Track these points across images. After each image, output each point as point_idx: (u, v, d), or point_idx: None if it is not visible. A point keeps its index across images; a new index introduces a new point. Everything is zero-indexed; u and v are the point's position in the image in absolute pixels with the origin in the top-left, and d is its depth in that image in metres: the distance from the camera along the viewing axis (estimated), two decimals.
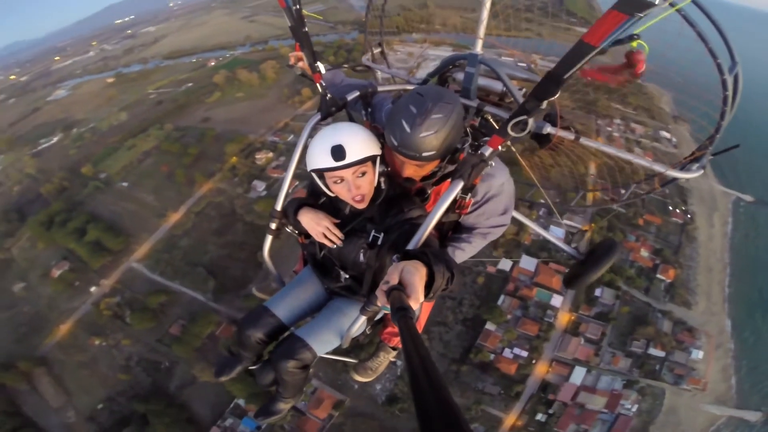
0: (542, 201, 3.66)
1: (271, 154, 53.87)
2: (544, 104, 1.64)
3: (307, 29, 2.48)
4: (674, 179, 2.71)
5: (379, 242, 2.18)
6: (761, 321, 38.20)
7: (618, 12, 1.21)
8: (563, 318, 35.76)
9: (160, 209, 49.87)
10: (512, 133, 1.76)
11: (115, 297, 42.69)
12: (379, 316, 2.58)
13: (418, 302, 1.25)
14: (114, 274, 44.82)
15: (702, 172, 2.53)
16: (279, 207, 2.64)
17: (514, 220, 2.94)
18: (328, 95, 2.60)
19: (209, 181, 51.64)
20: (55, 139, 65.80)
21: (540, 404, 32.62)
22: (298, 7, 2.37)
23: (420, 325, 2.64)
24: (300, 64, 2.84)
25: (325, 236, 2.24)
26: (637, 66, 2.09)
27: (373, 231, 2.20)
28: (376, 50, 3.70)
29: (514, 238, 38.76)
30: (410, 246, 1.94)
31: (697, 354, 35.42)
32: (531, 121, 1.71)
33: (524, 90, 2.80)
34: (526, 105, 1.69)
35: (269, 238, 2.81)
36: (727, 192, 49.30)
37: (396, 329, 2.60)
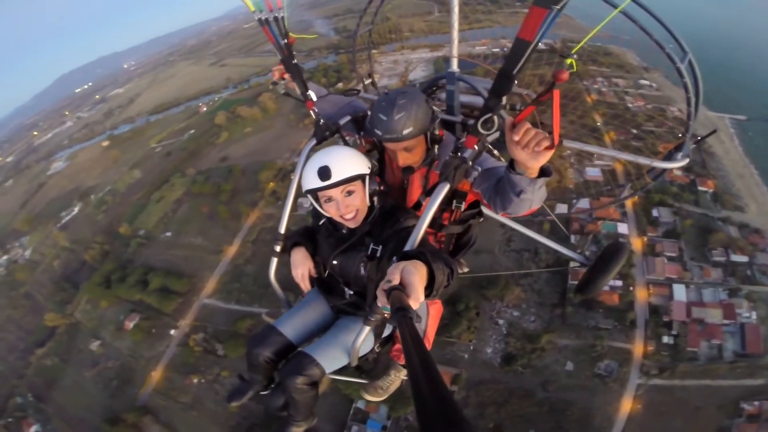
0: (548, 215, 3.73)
1: None
2: (504, 99, 1.72)
3: (296, 61, 2.61)
4: (664, 171, 2.79)
5: (378, 254, 2.23)
6: None
7: (537, 7, 1.34)
8: (636, 243, 36.19)
9: (214, 247, 50.17)
10: (483, 131, 1.82)
11: (199, 334, 42.49)
12: (387, 333, 2.58)
13: (418, 302, 1.27)
14: (189, 314, 44.75)
15: (687, 160, 2.65)
16: (282, 230, 2.81)
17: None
18: (322, 121, 2.75)
19: (254, 209, 52.57)
20: (76, 209, 65.00)
21: (660, 327, 31.65)
22: (286, 41, 2.51)
23: (428, 340, 2.70)
24: (286, 80, 2.82)
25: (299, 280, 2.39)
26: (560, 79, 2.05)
27: (371, 244, 2.26)
28: (367, 81, 3.96)
29: (557, 185, 38.54)
30: (407, 247, 1.98)
31: None
32: (497, 118, 1.79)
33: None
34: (488, 103, 1.77)
35: (274, 261, 2.86)
36: (719, 116, 53.99)
37: None
